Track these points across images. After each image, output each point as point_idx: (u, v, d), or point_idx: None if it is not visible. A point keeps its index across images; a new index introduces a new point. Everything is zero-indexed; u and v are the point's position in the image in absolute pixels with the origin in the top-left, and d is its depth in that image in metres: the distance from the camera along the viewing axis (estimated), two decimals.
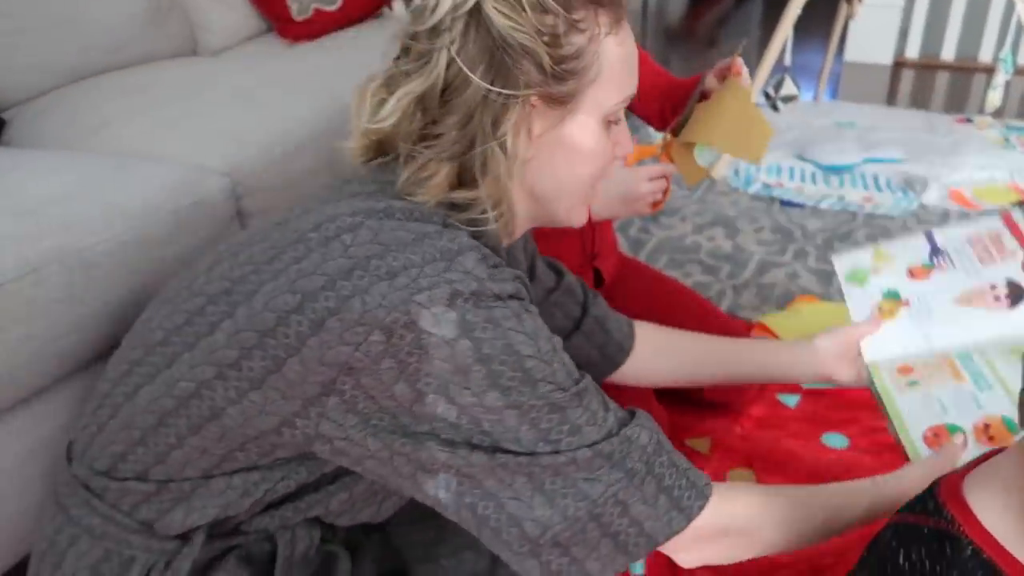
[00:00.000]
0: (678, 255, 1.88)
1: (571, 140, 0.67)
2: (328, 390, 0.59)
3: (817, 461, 1.20)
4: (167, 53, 1.73)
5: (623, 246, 1.92)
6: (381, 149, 0.70)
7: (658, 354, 1.03)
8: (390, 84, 0.67)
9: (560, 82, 0.64)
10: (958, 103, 3.05)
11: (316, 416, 0.61)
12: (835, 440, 1.25)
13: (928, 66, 3.56)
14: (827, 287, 1.71)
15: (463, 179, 0.66)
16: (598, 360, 1.00)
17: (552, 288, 0.98)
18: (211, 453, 0.64)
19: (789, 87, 2.41)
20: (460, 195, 0.66)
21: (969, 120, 2.65)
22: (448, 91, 0.63)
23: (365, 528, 0.80)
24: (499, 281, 0.61)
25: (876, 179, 2.21)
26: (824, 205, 2.10)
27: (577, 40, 0.63)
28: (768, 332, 1.51)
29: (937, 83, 3.39)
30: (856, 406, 1.31)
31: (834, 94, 3.22)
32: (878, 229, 1.97)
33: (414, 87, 0.64)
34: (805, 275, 1.77)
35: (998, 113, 2.58)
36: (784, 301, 1.66)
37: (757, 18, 5.10)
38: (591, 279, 1.32)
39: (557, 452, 0.60)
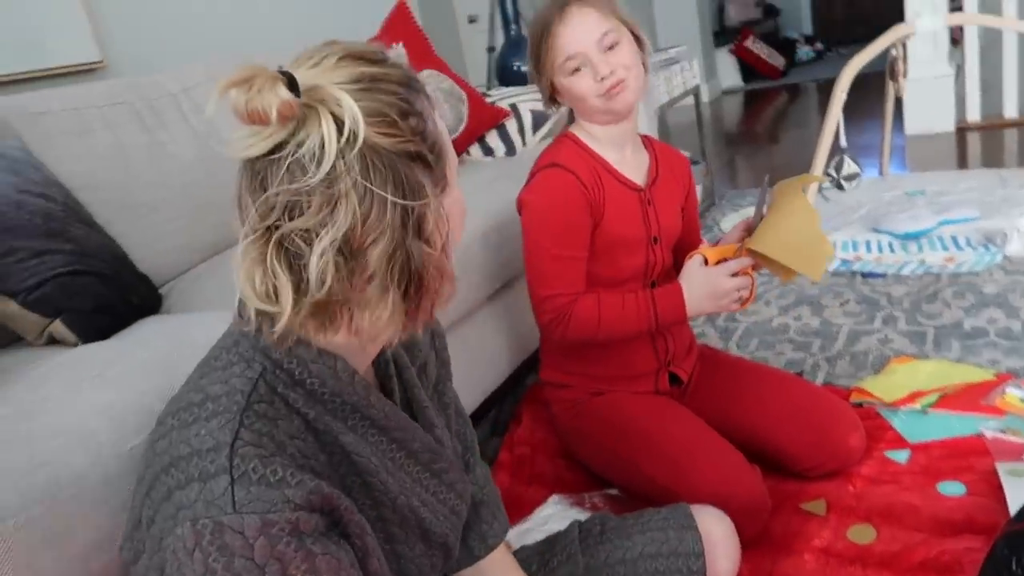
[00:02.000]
0: (768, 337, 1.94)
1: (449, 214, 0.69)
2: None
3: (937, 510, 1.21)
4: None
5: (712, 337, 2.00)
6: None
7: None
8: (288, 253, 0.62)
9: (439, 167, 0.67)
10: None
11: None
12: (952, 488, 1.26)
13: (992, 126, 3.59)
14: (921, 346, 1.73)
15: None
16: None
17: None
18: None
19: (850, 166, 2.52)
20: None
21: None
22: (367, 225, 0.61)
23: None
24: (249, 513, 0.58)
25: (955, 239, 2.24)
26: (906, 271, 2.14)
27: (429, 126, 0.66)
28: (867, 395, 1.54)
29: (1006, 141, 3.41)
30: (969, 453, 1.32)
31: (903, 166, 3.28)
32: (965, 286, 1.99)
33: (332, 235, 0.60)
34: (898, 339, 1.80)
35: None
36: (879, 365, 1.69)
37: (814, 108, 5.27)
38: (667, 381, 1.41)
39: None
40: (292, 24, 2.54)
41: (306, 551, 0.60)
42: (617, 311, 1.26)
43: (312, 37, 2.37)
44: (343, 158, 0.60)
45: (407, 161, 0.63)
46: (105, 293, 1.31)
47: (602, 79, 1.22)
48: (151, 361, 1.04)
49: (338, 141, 0.60)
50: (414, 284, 0.65)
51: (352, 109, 0.60)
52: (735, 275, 1.23)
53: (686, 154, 3.07)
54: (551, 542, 1.03)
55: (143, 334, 1.24)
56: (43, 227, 1.30)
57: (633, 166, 1.35)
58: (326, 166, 0.60)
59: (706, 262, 1.25)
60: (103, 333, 1.29)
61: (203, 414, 0.64)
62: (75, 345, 1.27)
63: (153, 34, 2.16)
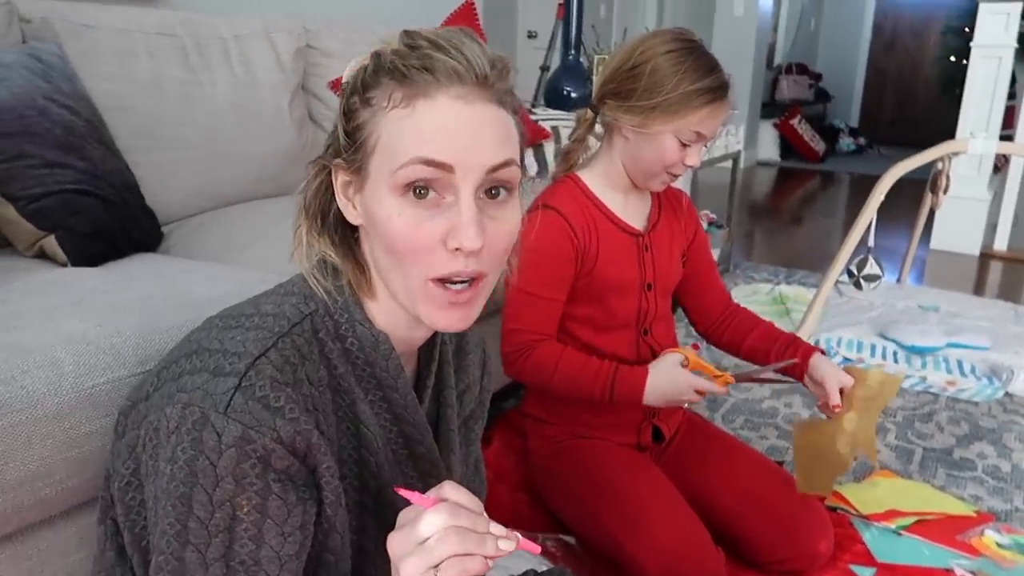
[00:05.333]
0: (755, 418, 1.91)
1: (372, 208, 0.66)
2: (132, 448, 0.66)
3: None
4: None
5: (700, 406, 1.96)
6: None
7: None
8: None
9: (352, 151, 0.67)
10: None
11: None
12: None
13: (1017, 259, 3.58)
14: (906, 465, 1.70)
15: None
16: None
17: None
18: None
19: (872, 267, 2.49)
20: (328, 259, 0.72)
21: None
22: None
23: None
24: (234, 421, 0.59)
25: (960, 364, 2.21)
26: (905, 384, 2.11)
27: (364, 114, 0.66)
28: (844, 501, 1.50)
29: None
30: None
31: (920, 279, 3.26)
32: (961, 413, 1.96)
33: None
34: (885, 451, 1.76)
35: None
36: (862, 473, 1.65)
37: (843, 200, 5.26)
38: (650, 435, 1.38)
39: None
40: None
41: (265, 484, 0.60)
42: (576, 369, 1.23)
43: (375, 14, 2.33)
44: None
45: (335, 125, 0.69)
46: (106, 219, 1.27)
47: (687, 167, 1.22)
48: (133, 301, 1.00)
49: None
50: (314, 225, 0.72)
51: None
52: (699, 391, 1.21)
53: (712, 215, 3.06)
54: None
55: (134, 270, 1.20)
56: (62, 139, 1.26)
57: (634, 210, 1.32)
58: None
59: (685, 363, 1.23)
60: (95, 259, 1.25)
61: (248, 324, 0.66)
62: (64, 265, 1.23)
63: None
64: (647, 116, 1.17)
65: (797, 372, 1.30)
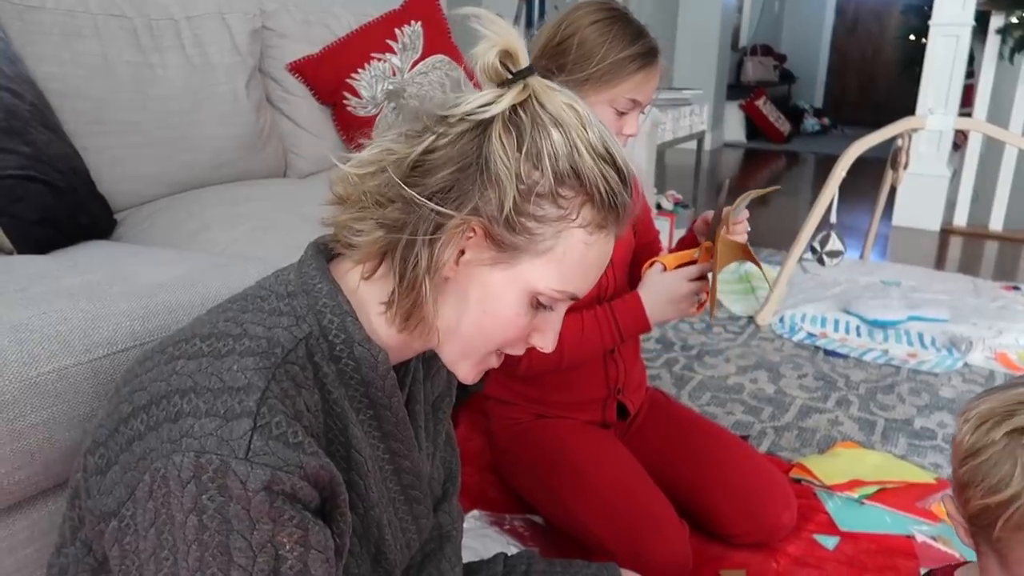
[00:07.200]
0: (721, 394, 1.92)
1: (490, 286, 0.66)
2: (114, 512, 0.59)
3: None
4: (261, 173, 1.93)
5: (666, 382, 1.98)
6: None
7: None
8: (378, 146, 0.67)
9: (509, 230, 0.63)
10: (1007, 272, 3.09)
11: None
12: None
13: (975, 235, 3.64)
14: (869, 435, 1.72)
15: (383, 258, 0.66)
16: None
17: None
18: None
19: (835, 243, 2.52)
20: (372, 271, 0.67)
21: (1016, 288, 2.69)
22: (415, 170, 0.64)
23: None
24: (259, 465, 0.56)
25: (920, 336, 2.25)
26: (868, 357, 2.14)
27: (548, 208, 0.64)
28: (808, 473, 1.52)
29: (986, 252, 3.46)
30: (896, 553, 1.31)
31: (883, 255, 3.31)
32: (922, 384, 1.99)
33: (395, 147, 0.65)
34: (848, 422, 1.78)
35: None
36: (825, 445, 1.67)
37: (808, 180, 5.32)
38: (614, 411, 1.38)
39: None
40: None
41: (301, 518, 0.58)
42: (577, 332, 1.22)
43: None
44: (462, 116, 0.64)
45: (488, 176, 0.63)
46: (54, 205, 1.23)
47: (626, 136, 1.20)
48: (81, 287, 0.97)
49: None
50: (391, 254, 0.65)
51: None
52: (693, 280, 1.20)
53: (678, 195, 3.07)
54: (472, 571, 0.98)
55: (82, 257, 1.17)
56: (4, 123, 1.22)
57: None
58: (451, 110, 0.65)
59: (664, 269, 1.23)
60: (42, 247, 1.22)
61: (239, 348, 0.62)
62: (9, 253, 1.19)
63: None
64: (579, 89, 1.15)
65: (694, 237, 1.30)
